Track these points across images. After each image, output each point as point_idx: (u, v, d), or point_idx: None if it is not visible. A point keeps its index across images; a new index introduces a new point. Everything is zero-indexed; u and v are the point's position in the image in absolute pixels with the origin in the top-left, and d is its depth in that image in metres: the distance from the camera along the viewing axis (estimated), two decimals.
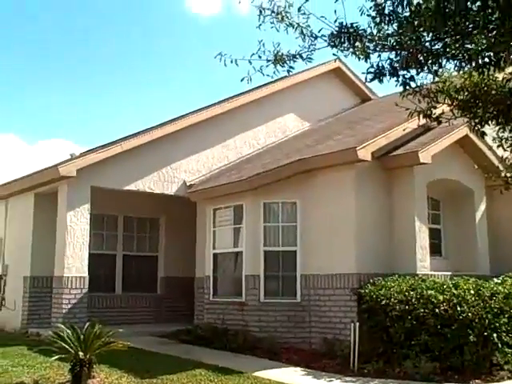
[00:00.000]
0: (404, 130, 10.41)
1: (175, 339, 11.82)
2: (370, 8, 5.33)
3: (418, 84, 5.94)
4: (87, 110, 43.18)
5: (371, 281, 9.86)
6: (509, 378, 8.08)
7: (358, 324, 9.15)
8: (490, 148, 11.30)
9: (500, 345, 8.33)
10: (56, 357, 7.75)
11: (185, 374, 8.27)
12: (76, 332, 7.85)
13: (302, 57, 5.79)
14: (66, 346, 7.64)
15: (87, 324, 8.19)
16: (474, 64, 5.33)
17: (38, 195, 13.60)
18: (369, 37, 5.43)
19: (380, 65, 5.50)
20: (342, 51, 5.62)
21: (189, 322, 13.09)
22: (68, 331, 7.87)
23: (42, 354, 9.30)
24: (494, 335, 8.30)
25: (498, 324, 8.37)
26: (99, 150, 12.70)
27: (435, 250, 11.34)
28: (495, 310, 8.42)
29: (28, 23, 34.40)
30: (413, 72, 5.55)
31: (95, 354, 7.76)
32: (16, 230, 14.37)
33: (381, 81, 5.58)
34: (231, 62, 5.73)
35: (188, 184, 13.88)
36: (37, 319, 13.17)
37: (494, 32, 4.91)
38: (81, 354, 7.55)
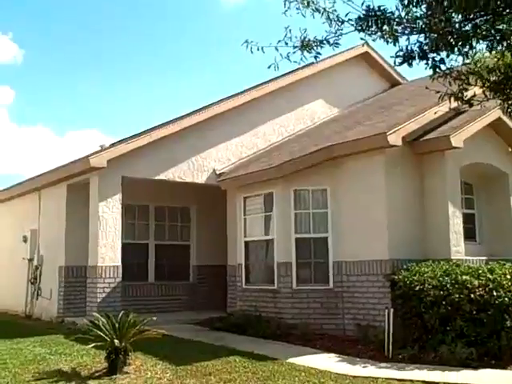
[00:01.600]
0: (435, 113, 10.27)
1: (208, 327, 11.91)
2: None
3: (449, 66, 5.82)
4: (115, 100, 43.60)
5: (404, 266, 9.78)
6: None
7: (392, 310, 9.10)
8: None
9: None
10: (92, 345, 7.89)
11: (219, 360, 8.33)
12: (111, 320, 7.97)
13: (328, 42, 5.72)
14: (102, 334, 7.77)
15: (122, 312, 8.31)
16: (506, 44, 5.22)
17: (70, 186, 13.78)
18: (397, 20, 5.34)
19: (409, 48, 5.42)
20: (369, 35, 5.53)
21: (222, 309, 13.18)
22: (103, 320, 8.00)
23: (79, 342, 9.46)
24: None
25: None
26: (129, 140, 12.80)
27: (469, 234, 11.19)
28: None
29: (55, 11, 34.67)
30: (443, 54, 5.44)
31: (130, 342, 7.88)
32: (50, 221, 14.59)
33: (410, 64, 5.50)
34: (258, 49, 5.69)
35: (218, 173, 13.92)
36: (72, 308, 13.38)
37: None
38: (116, 341, 7.66)
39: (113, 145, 13.08)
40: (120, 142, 13.06)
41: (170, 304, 15.00)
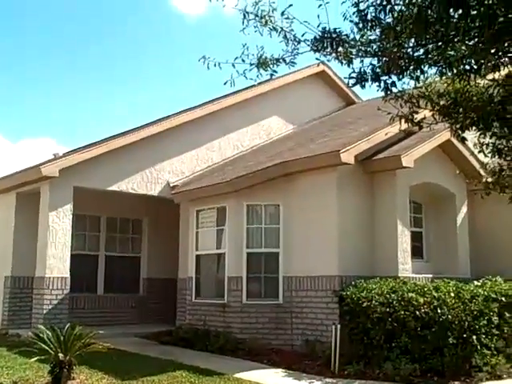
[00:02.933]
0: (386, 134, 10.47)
1: (157, 340, 11.81)
2: (353, 14, 5.37)
3: (400, 89, 5.99)
4: (71, 110, 42.94)
5: (353, 283, 9.92)
6: (487, 380, 8.18)
7: (339, 326, 9.20)
8: (472, 153, 11.42)
9: (479, 347, 8.42)
10: (35, 358, 7.71)
11: (165, 375, 8.27)
12: (56, 333, 7.81)
13: (285, 61, 5.82)
14: (46, 348, 7.61)
15: (68, 325, 8.16)
16: (454, 71, 5.39)
17: (19, 195, 13.50)
18: (351, 42, 5.47)
19: (362, 70, 5.55)
20: (324, 56, 5.66)
21: (171, 323, 13.08)
22: (48, 332, 7.83)
23: (22, 355, 9.24)
24: (474, 337, 8.39)
25: (477, 326, 8.47)
26: (82, 150, 12.66)
27: (417, 252, 11.45)
28: (475, 313, 8.52)
29: (11, 20, 34.11)
30: (394, 77, 5.60)
31: (75, 356, 7.72)
32: None
33: (363, 86, 5.63)
34: (214, 65, 5.75)
35: (171, 185, 13.87)
36: (17, 320, 13.06)
37: (475, 40, 4.98)
38: (61, 355, 7.51)
39: (66, 154, 12.90)
40: (73, 151, 12.89)
41: (119, 317, 14.81)
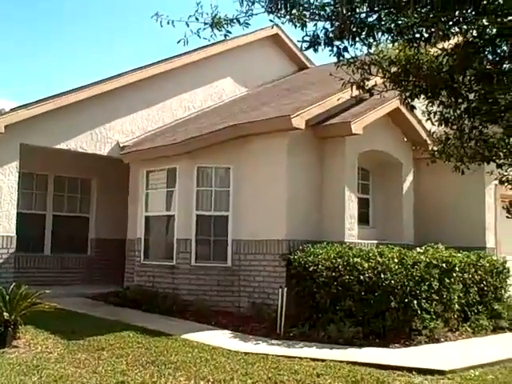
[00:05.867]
0: (338, 99, 10.53)
1: (104, 301, 11.77)
2: None
3: (353, 55, 5.99)
4: (20, 64, 41.60)
5: (300, 247, 10.06)
6: (426, 343, 8.49)
7: (286, 289, 9.35)
8: (419, 122, 11.63)
9: (419, 311, 8.71)
10: None
11: (113, 335, 8.28)
12: (1, 292, 7.73)
13: (239, 21, 5.73)
14: None
15: (13, 284, 8.06)
16: (406, 38, 5.43)
17: None
18: (305, 5, 5.42)
19: (315, 34, 5.51)
20: (278, 18, 5.58)
21: (119, 284, 13.03)
22: None
23: None
24: (415, 302, 8.67)
25: (418, 291, 8.74)
26: (30, 106, 12.28)
27: (363, 219, 11.68)
28: (416, 278, 8.78)
29: None
30: (347, 43, 5.59)
31: (21, 315, 7.67)
32: None
33: (316, 50, 5.60)
34: (168, 23, 5.61)
35: (121, 145, 13.68)
36: None
37: (426, 7, 5.01)
38: (6, 314, 7.45)
39: (13, 110, 12.52)
40: (20, 107, 12.49)
41: (66, 277, 14.67)
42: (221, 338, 8.55)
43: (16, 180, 12.24)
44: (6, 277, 11.46)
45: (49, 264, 14.74)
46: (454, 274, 9.40)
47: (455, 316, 9.44)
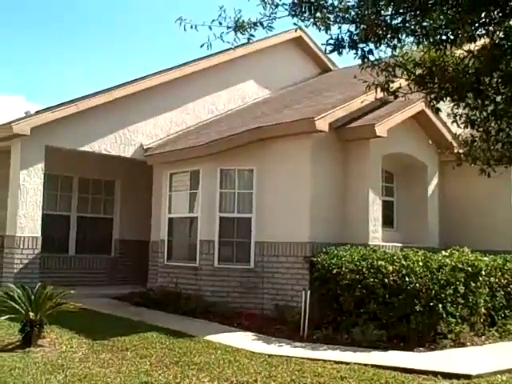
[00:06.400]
0: (362, 102, 10.49)
1: (128, 302, 11.85)
2: None
3: (377, 57, 5.97)
4: (45, 68, 42.11)
5: (324, 250, 10.03)
6: (451, 347, 8.39)
7: (309, 292, 9.33)
8: (445, 124, 11.53)
9: (444, 315, 8.62)
10: (6, 316, 7.73)
11: (137, 336, 8.33)
12: (27, 292, 7.82)
13: (262, 25, 5.74)
14: (17, 306, 7.62)
15: (39, 284, 8.16)
16: (431, 40, 5.39)
17: None
18: (329, 8, 5.42)
19: (340, 37, 5.50)
20: (302, 21, 5.59)
21: (142, 285, 13.12)
22: (19, 291, 7.84)
23: None
24: (440, 305, 8.58)
25: (443, 295, 8.65)
26: (55, 108, 12.46)
27: (387, 221, 11.60)
28: (442, 282, 8.69)
29: None
30: (372, 45, 5.57)
31: (46, 315, 7.75)
32: None
33: (340, 53, 5.59)
34: (191, 27, 5.64)
35: (145, 147, 13.78)
36: None
37: (453, 9, 4.98)
38: (31, 314, 7.54)
39: (38, 112, 12.70)
40: (46, 109, 12.68)
41: (90, 278, 14.79)
42: (244, 340, 8.55)
43: (41, 182, 12.39)
44: (31, 277, 11.60)
45: (73, 264, 14.88)
46: (480, 278, 9.29)
47: (481, 320, 9.33)
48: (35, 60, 41.02)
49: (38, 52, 40.47)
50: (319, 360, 7.40)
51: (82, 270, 14.93)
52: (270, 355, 7.57)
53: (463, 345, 8.55)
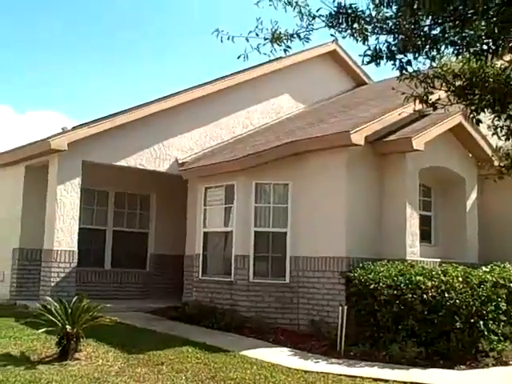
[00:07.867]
0: (399, 114, 10.38)
1: (163, 316, 11.85)
2: None
3: (415, 69, 5.89)
4: (80, 84, 42.86)
5: (360, 265, 9.89)
6: (494, 365, 8.14)
7: (345, 307, 9.19)
8: (484, 137, 11.32)
9: (486, 332, 8.39)
10: (43, 329, 7.80)
11: (172, 350, 8.30)
12: (64, 305, 7.86)
13: (299, 36, 5.72)
14: (54, 319, 7.67)
15: (75, 298, 8.20)
16: (472, 50, 5.29)
17: (28, 167, 13.51)
18: (367, 19, 5.37)
19: (377, 48, 5.44)
20: (339, 32, 5.55)
21: (177, 299, 13.12)
22: (56, 304, 7.89)
23: (30, 327, 9.30)
24: (481, 322, 8.35)
25: (484, 312, 8.42)
26: (91, 124, 12.62)
27: (425, 236, 11.39)
28: (483, 298, 8.47)
29: None
30: (410, 56, 5.49)
31: (82, 328, 7.78)
32: (6, 202, 14.26)
33: (378, 64, 5.53)
34: (228, 38, 5.65)
35: (180, 162, 13.85)
36: (25, 291, 13.14)
37: (494, 19, 4.87)
38: (68, 327, 7.57)
39: (75, 128, 12.88)
40: (82, 125, 12.85)
41: (125, 292, 14.87)
42: (280, 356, 8.45)
43: (78, 196, 12.54)
44: (68, 290, 11.72)
45: (108, 278, 14.96)
46: None
47: None
48: (71, 77, 41.72)
49: (74, 69, 41.17)
50: (357, 377, 7.27)
51: (117, 283, 15.01)
52: (306, 371, 7.47)
53: (506, 363, 8.28)
